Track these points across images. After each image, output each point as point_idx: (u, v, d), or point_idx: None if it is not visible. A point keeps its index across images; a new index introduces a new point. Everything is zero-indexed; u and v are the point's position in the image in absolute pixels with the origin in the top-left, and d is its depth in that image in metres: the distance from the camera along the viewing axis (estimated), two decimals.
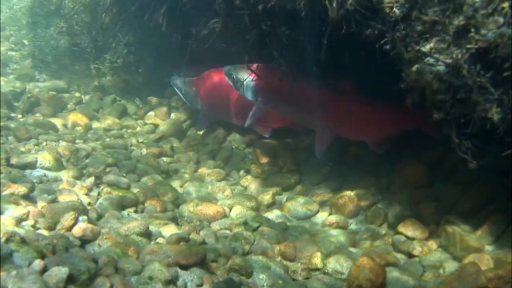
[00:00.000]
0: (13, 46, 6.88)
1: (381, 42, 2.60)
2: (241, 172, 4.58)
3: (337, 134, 3.92)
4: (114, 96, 5.90)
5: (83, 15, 5.89)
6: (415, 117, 3.23)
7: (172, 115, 5.50)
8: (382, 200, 3.75)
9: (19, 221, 2.65)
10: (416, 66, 2.48)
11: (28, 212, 2.75)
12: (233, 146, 5.00)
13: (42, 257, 2.20)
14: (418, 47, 2.44)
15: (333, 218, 3.62)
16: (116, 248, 2.47)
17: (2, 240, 2.23)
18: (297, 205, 3.83)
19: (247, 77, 3.85)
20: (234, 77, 4.00)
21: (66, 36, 6.03)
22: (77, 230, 2.59)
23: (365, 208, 3.73)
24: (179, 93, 5.26)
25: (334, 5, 2.54)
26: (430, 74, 2.42)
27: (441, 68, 2.36)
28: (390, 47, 2.58)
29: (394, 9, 2.46)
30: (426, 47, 2.41)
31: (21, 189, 3.10)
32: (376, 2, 2.51)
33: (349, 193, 3.78)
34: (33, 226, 2.63)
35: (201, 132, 5.26)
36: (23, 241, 2.32)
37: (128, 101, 5.87)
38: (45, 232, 2.57)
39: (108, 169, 3.97)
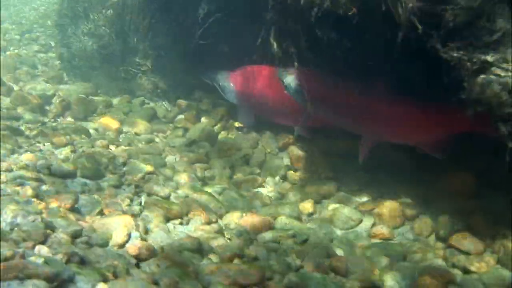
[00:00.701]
0: (41, 48, 6.85)
1: (443, 50, 2.51)
2: (277, 178, 4.52)
3: (387, 139, 3.82)
4: (143, 99, 5.85)
5: (111, 17, 5.83)
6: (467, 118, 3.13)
7: (202, 119, 5.44)
8: (427, 210, 3.67)
9: (73, 237, 2.60)
10: (481, 76, 2.39)
11: (82, 228, 2.70)
12: (266, 151, 4.92)
13: (105, 280, 2.14)
14: (484, 57, 2.36)
15: (379, 229, 3.56)
16: (176, 269, 2.41)
17: (63, 260, 2.18)
18: (340, 214, 3.76)
19: (298, 82, 3.80)
20: (285, 81, 3.95)
21: (94, 38, 5.97)
22: (133, 249, 2.54)
23: (410, 218, 3.66)
24: (216, 87, 5.22)
25: (400, 10, 2.46)
26: (498, 86, 2.33)
27: (510, 79, 2.28)
28: (452, 55, 2.49)
29: (458, 16, 2.37)
30: (493, 57, 2.32)
31: (66, 201, 3.06)
32: (439, 9, 2.42)
33: (392, 202, 3.71)
34: (87, 243, 2.58)
35: (232, 136, 5.20)
36: (83, 261, 2.27)
37: (157, 104, 5.82)
38: (99, 250, 2.51)
39: (146, 177, 3.92)
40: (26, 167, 3.48)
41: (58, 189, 3.29)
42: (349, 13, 2.84)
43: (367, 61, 3.18)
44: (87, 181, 3.67)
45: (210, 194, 3.85)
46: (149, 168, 4.03)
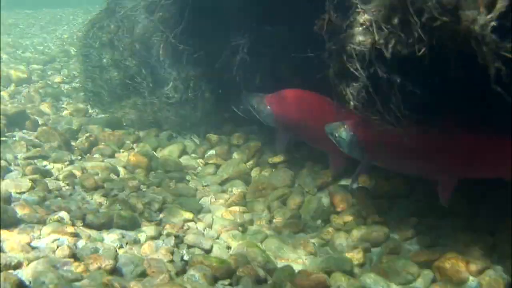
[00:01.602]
0: (64, 78, 6.66)
1: None
2: (318, 221, 4.24)
3: (466, 177, 3.53)
4: (170, 132, 5.64)
5: (138, 47, 5.63)
6: None
7: (234, 155, 5.21)
8: (495, 264, 3.36)
9: None
10: None
11: None
12: (304, 190, 4.65)
13: None
14: None
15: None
16: None
17: None
18: (395, 267, 3.46)
19: (351, 134, 3.53)
20: (337, 134, 3.68)
21: (120, 69, 5.76)
22: None
23: (475, 274, 3.34)
24: (251, 109, 4.94)
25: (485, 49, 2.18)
26: None
27: None
28: None
29: None
30: None
31: (107, 262, 2.80)
32: None
33: (454, 254, 3.40)
34: None
35: (267, 173, 4.95)
36: None
37: (185, 138, 5.59)
38: None
39: (185, 226, 3.66)
40: (60, 220, 3.22)
41: (96, 245, 3.03)
42: (419, 53, 2.59)
43: (433, 104, 2.92)
44: (124, 231, 3.42)
45: (254, 244, 3.57)
46: (187, 215, 3.79)
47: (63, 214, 3.35)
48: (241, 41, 4.85)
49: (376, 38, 2.72)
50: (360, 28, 2.83)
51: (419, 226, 3.90)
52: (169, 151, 5.24)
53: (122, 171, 4.75)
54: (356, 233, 3.92)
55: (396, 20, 2.59)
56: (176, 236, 3.46)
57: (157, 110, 5.64)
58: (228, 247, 3.60)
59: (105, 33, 5.85)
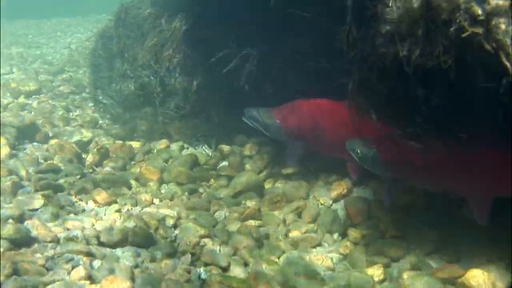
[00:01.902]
0: (73, 89, 6.59)
1: None
2: (335, 235, 4.15)
3: (499, 194, 3.41)
4: (182, 144, 5.55)
5: (148, 57, 5.56)
6: None
7: (247, 166, 5.12)
8: None
9: None
10: None
11: None
12: (320, 202, 4.55)
13: None
14: None
15: None
16: None
17: None
18: (419, 284, 3.35)
19: (373, 150, 3.44)
20: (359, 151, 3.59)
21: (131, 79, 5.69)
22: None
23: None
24: (257, 126, 4.81)
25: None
26: None
27: None
28: None
29: None
30: None
31: (124, 284, 2.71)
32: None
33: (479, 271, 3.29)
34: None
35: (280, 185, 4.86)
36: None
37: (197, 149, 5.50)
38: None
39: (201, 242, 3.57)
40: (74, 239, 3.15)
41: (111, 265, 2.95)
42: (445, 66, 2.50)
43: (460, 119, 2.83)
44: (139, 249, 3.34)
45: (275, 263, 3.48)
46: (202, 231, 3.70)
47: (77, 232, 3.27)
48: (251, 51, 4.77)
49: (399, 49, 2.63)
50: (382, 39, 2.75)
51: (439, 240, 3.79)
52: (181, 163, 5.15)
53: (134, 183, 4.68)
54: (374, 248, 3.82)
55: (420, 31, 2.50)
56: (192, 254, 3.38)
57: (168, 120, 5.56)
58: (246, 264, 3.51)
59: (114, 43, 5.78)
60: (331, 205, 4.53)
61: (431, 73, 2.61)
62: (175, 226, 3.79)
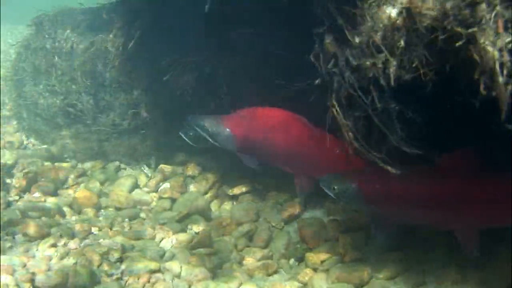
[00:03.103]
0: None
1: None
2: (291, 261, 3.91)
3: (487, 225, 3.23)
4: (118, 164, 5.14)
5: (79, 71, 5.10)
6: None
7: (191, 187, 4.78)
8: None
9: None
10: None
11: None
12: (270, 225, 4.29)
13: None
14: None
15: None
16: None
17: None
18: None
19: (353, 187, 3.23)
20: (336, 187, 3.36)
21: (59, 95, 5.20)
22: None
23: None
24: (203, 134, 4.43)
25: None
26: None
27: None
28: None
29: None
30: None
31: None
32: None
33: None
34: None
35: (227, 207, 4.57)
36: None
37: (135, 170, 5.10)
38: None
39: (152, 278, 3.20)
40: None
41: None
42: (425, 78, 2.32)
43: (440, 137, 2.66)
44: None
45: None
46: (152, 265, 3.33)
47: (6, 277, 2.80)
48: (193, 59, 4.47)
49: (375, 61, 2.43)
50: (355, 51, 2.54)
51: (402, 261, 3.62)
52: (119, 185, 4.74)
53: (68, 211, 4.23)
54: (336, 274, 3.59)
55: (402, 43, 2.30)
56: None
57: (103, 139, 5.12)
58: None
59: (39, 55, 5.27)
60: (283, 227, 4.28)
61: (408, 87, 2.43)
62: (120, 260, 3.38)
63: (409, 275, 3.52)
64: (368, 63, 2.47)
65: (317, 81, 2.70)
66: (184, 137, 4.65)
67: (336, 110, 2.65)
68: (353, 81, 2.53)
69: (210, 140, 4.42)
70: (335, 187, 3.37)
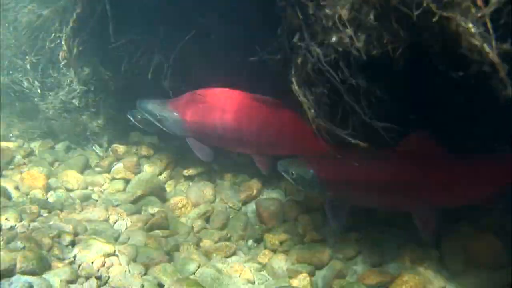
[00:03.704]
0: None
1: None
2: (250, 242, 3.84)
3: (443, 205, 3.25)
4: (68, 143, 4.92)
5: (24, 45, 4.82)
6: None
7: (146, 167, 4.61)
8: (449, 282, 3.17)
9: None
10: None
11: None
12: (228, 206, 4.21)
13: None
14: None
15: None
16: None
17: None
18: None
19: (310, 172, 3.19)
20: (294, 172, 3.29)
21: (3, 71, 4.91)
22: None
23: None
24: (152, 119, 4.32)
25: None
26: None
27: None
28: None
29: None
30: None
31: None
32: None
33: (411, 276, 3.15)
34: None
35: (183, 188, 4.45)
36: None
37: (86, 149, 4.90)
38: None
39: (107, 261, 3.06)
40: None
41: None
42: (394, 55, 2.26)
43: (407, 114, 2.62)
44: (30, 279, 2.75)
45: (192, 282, 3.08)
46: (106, 247, 3.17)
47: None
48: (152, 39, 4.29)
49: (342, 36, 2.35)
50: (321, 25, 2.44)
51: (360, 241, 3.61)
52: (69, 166, 4.53)
53: (14, 193, 4.01)
54: (296, 255, 3.55)
55: (371, 16, 2.22)
56: (98, 278, 2.85)
57: (52, 117, 4.87)
58: (160, 285, 3.06)
59: None
60: (241, 208, 4.20)
61: (377, 63, 2.36)
62: (72, 243, 3.21)
63: (367, 255, 3.51)
64: (334, 38, 2.38)
65: (278, 56, 2.59)
66: (133, 120, 4.51)
67: (297, 87, 2.56)
68: (320, 55, 2.44)
69: (159, 125, 4.28)
70: (293, 172, 3.32)
